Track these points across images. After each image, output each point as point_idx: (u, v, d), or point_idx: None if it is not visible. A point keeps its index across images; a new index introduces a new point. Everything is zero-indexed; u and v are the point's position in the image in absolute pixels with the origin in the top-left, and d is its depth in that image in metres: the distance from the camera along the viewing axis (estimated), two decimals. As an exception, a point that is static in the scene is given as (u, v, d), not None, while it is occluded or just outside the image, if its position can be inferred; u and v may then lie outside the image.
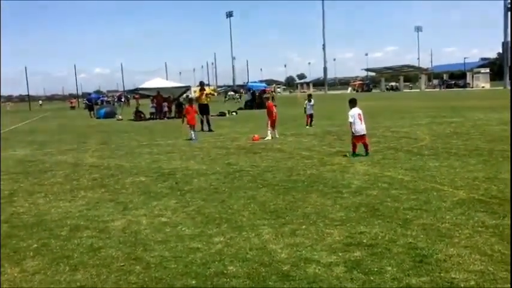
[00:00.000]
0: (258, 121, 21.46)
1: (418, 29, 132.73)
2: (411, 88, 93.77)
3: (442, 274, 4.20)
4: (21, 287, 4.33)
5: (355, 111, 10.83)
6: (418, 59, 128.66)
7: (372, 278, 4.18)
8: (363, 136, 10.80)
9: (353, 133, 10.80)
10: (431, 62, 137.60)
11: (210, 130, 19.31)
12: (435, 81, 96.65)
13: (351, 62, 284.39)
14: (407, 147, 12.18)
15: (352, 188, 7.61)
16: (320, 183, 8.09)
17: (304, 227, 5.71)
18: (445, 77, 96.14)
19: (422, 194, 7.02)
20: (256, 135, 15.46)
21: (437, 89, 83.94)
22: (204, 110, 19.90)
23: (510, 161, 9.39)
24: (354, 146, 10.88)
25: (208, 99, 20.42)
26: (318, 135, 16.17)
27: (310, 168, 9.57)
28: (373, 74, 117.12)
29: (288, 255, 4.79)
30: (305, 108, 20.20)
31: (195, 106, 18.55)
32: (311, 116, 19.83)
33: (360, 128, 10.71)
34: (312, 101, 20.37)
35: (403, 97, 52.60)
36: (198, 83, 24.76)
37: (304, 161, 10.54)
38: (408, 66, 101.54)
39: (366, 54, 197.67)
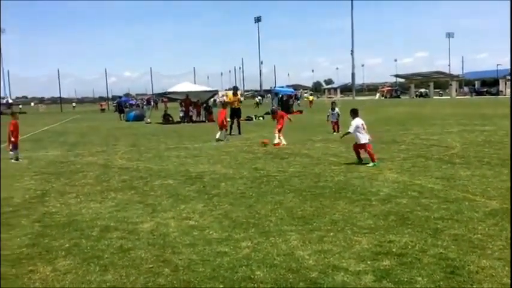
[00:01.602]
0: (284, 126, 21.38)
1: (450, 35, 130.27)
2: (441, 95, 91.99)
3: (474, 286, 4.10)
4: (53, 287, 4.42)
5: (359, 122, 10.89)
6: (449, 65, 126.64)
7: (401, 288, 4.11)
8: (366, 145, 10.73)
9: (358, 142, 10.80)
10: (463, 68, 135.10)
11: (239, 133, 20.02)
12: (466, 89, 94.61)
13: (379, 67, 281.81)
14: (438, 155, 11.95)
15: (381, 196, 7.51)
16: (348, 190, 8.01)
17: (332, 234, 5.67)
18: (476, 84, 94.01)
19: (454, 204, 6.88)
20: (266, 139, 15.69)
21: (468, 96, 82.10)
22: (236, 114, 20.66)
23: (510, 161, 9.35)
24: (357, 152, 10.90)
25: (241, 103, 20.90)
26: (346, 141, 15.99)
27: (338, 175, 9.49)
28: (402, 80, 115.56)
29: (315, 262, 4.75)
30: (328, 116, 20.15)
31: (227, 110, 19.40)
32: (336, 123, 19.57)
33: (364, 137, 10.70)
34: (336, 109, 19.82)
35: (433, 104, 51.67)
36: (227, 88, 25.52)
37: (331, 167, 10.46)
38: (439, 73, 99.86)
39: (395, 60, 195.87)
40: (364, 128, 10.76)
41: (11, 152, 13.48)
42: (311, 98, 66.91)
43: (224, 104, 20.98)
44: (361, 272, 4.48)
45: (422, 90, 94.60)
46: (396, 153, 12.42)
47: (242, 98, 22.27)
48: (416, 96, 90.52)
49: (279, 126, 15.96)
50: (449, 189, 7.89)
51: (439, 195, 7.47)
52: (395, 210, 6.65)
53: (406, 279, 4.27)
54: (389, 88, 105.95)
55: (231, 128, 20.33)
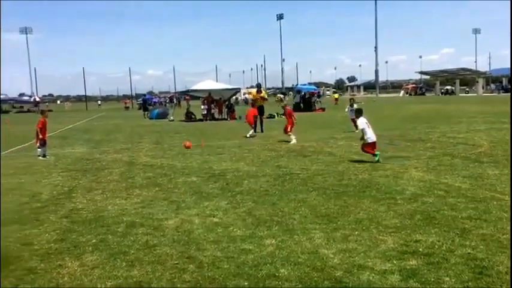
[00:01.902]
0: (306, 124, 21.34)
1: (476, 31, 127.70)
2: (468, 92, 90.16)
3: (503, 287, 4.01)
4: (81, 281, 4.51)
5: (364, 120, 11.06)
6: (476, 62, 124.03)
7: (428, 288, 4.05)
8: (374, 142, 10.82)
9: (366, 140, 10.85)
10: (490, 65, 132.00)
11: (261, 131, 20.04)
12: (493, 86, 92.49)
13: (403, 64, 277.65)
14: (465, 153, 11.72)
15: (407, 195, 7.41)
16: (372, 189, 7.93)
17: (356, 232, 5.62)
18: (504, 81, 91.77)
19: (482, 203, 6.73)
20: (188, 142, 15.09)
21: (496, 94, 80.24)
22: (259, 111, 20.70)
23: (510, 161, 9.20)
24: (369, 151, 10.83)
25: (265, 101, 21.01)
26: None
27: (362, 173, 9.41)
28: (427, 77, 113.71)
29: (340, 261, 4.72)
30: (346, 112, 19.89)
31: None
32: (354, 120, 19.26)
33: (372, 134, 10.82)
34: (355, 105, 19.33)
35: (459, 101, 50.69)
36: (249, 86, 25.78)
37: (355, 166, 10.37)
38: (465, 70, 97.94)
39: (420, 57, 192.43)
40: (369, 127, 10.90)
41: (39, 149, 13.79)
42: (336, 95, 66.57)
43: (253, 102, 21.37)
44: (387, 271, 4.43)
45: (448, 87, 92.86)
46: (422, 152, 12.23)
47: (266, 96, 22.20)
48: (442, 93, 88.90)
49: (289, 126, 16.13)
50: (476, 188, 7.73)
51: (467, 194, 7.33)
52: (421, 209, 6.55)
53: (433, 279, 4.21)
54: (413, 85, 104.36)
55: (255, 125, 20.31)
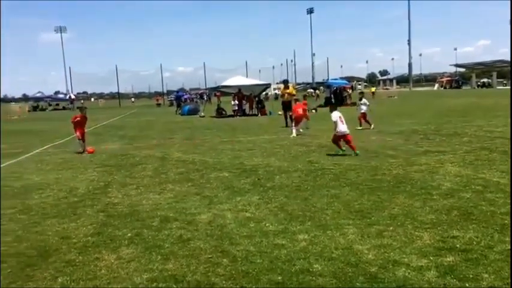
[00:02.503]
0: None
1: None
2: (505, 85, 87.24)
3: (547, 286, 3.87)
4: (118, 274, 4.60)
5: (337, 114, 11.63)
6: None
7: (467, 285, 3.95)
8: (346, 135, 11.49)
9: (336, 132, 11.55)
10: (510, 60, 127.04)
11: (286, 125, 19.99)
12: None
13: (438, 57, 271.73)
14: (503, 147, 11.34)
15: (443, 190, 7.23)
16: (407, 184, 7.78)
17: (391, 228, 5.53)
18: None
19: (522, 199, 6.51)
20: (90, 148, 14.49)
21: (535, 86, 77.35)
22: (287, 106, 20.74)
23: (510, 160, 9.02)
24: (337, 143, 11.66)
25: (293, 96, 20.86)
26: (404, 133, 15.57)
27: (396, 168, 9.24)
28: (462, 69, 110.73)
29: (375, 257, 4.66)
30: (357, 108, 19.33)
31: (298, 103, 18.70)
32: (363, 116, 18.37)
33: (343, 127, 11.45)
34: (364, 100, 18.74)
35: (497, 94, 49.14)
36: (278, 81, 25.94)
37: (389, 161, 10.20)
38: (502, 62, 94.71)
39: (455, 49, 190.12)
40: (342, 121, 11.49)
41: (78, 142, 14.32)
42: (373, 89, 66.17)
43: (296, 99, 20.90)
44: (423, 267, 4.34)
45: (485, 80, 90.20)
46: (458, 146, 11.92)
47: (294, 91, 22.03)
48: (478, 86, 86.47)
49: (296, 120, 17.08)
50: (516, 183, 7.48)
51: (506, 189, 7.10)
52: (458, 204, 6.39)
53: (471, 276, 4.10)
54: (448, 78, 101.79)
55: (286, 120, 20.46)
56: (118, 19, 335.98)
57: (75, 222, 6.49)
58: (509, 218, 5.63)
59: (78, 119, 14.70)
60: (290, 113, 20.61)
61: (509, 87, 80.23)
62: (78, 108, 15.98)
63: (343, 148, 11.55)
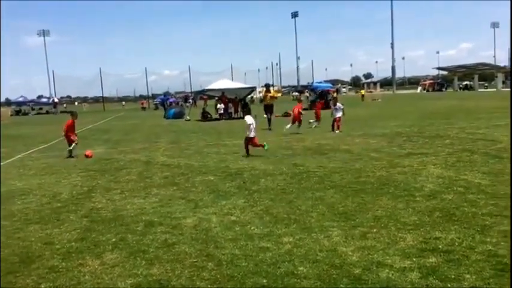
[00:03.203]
0: (322, 121, 21.24)
1: (495, 25, 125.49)
2: (487, 87, 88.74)
3: (526, 285, 3.94)
4: (102, 279, 4.57)
5: (250, 118, 12.94)
6: (494, 56, 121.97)
7: (449, 286, 4.01)
8: (252, 138, 12.65)
9: (248, 134, 12.65)
10: (510, 59, 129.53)
11: (269, 129, 20.67)
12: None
13: (421, 60, 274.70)
14: (484, 149, 11.54)
15: (426, 192, 7.33)
16: (391, 186, 7.87)
17: (375, 230, 5.59)
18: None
19: (502, 200, 6.62)
20: (89, 151, 14.26)
21: (516, 88, 78.75)
22: (268, 109, 21.60)
23: (510, 160, 9.13)
24: (247, 146, 12.70)
25: (274, 99, 21.46)
26: (388, 136, 15.73)
27: (379, 170, 9.34)
28: (445, 72, 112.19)
29: (359, 259, 4.70)
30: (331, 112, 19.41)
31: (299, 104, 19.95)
32: (339, 119, 18.49)
33: (252, 132, 12.57)
34: (338, 104, 19.05)
35: (478, 97, 49.93)
36: (263, 85, 26.62)
37: (373, 163, 10.30)
38: (483, 65, 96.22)
39: (437, 52, 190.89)
40: (254, 127, 12.69)
41: (72, 146, 14.21)
42: (363, 92, 66.93)
43: (298, 99, 22.58)
44: (406, 268, 4.39)
45: (467, 82, 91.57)
46: (440, 148, 12.09)
47: (279, 94, 23.15)
48: (461, 89, 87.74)
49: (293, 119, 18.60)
50: (497, 184, 7.61)
51: (487, 190, 7.23)
52: (440, 206, 6.48)
53: (453, 276, 4.17)
54: (431, 81, 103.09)
55: (269, 123, 21.28)
56: (103, 22, 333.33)
57: (59, 227, 6.42)
58: (510, 218, 5.71)
59: (71, 124, 14.66)
60: (271, 116, 21.22)
61: (490, 89, 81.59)
62: (69, 113, 15.82)
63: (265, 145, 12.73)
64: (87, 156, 13.83)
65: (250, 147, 12.67)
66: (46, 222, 6.71)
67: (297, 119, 18.50)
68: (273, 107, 22.11)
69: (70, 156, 13.92)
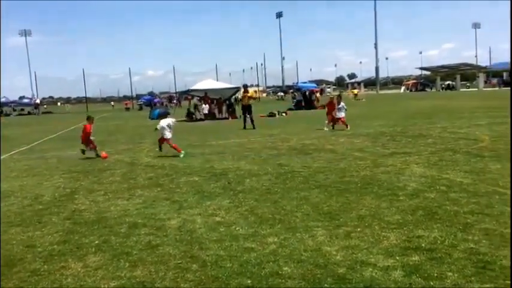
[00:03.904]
0: (307, 121, 21.34)
1: (476, 25, 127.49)
2: (468, 87, 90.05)
3: (507, 281, 4.01)
4: (85, 282, 4.51)
5: (166, 122, 13.42)
6: (476, 56, 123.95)
7: (432, 284, 4.06)
8: (167, 139, 13.24)
9: (164, 138, 13.31)
10: (490, 59, 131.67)
11: (253, 128, 21.17)
12: (494, 80, 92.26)
13: (404, 60, 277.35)
14: (466, 148, 11.71)
15: (409, 191, 7.41)
16: (374, 185, 7.93)
17: (359, 229, 5.62)
18: (504, 75, 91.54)
19: (484, 198, 6.73)
20: (104, 153, 13.95)
21: (497, 88, 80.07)
22: (246, 110, 22.20)
23: (510, 160, 9.19)
24: (161, 143, 13.54)
25: (252, 100, 22.04)
26: (371, 135, 15.86)
27: (363, 170, 9.40)
28: (427, 72, 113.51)
29: (343, 258, 4.73)
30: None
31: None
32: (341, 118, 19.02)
33: (168, 135, 13.25)
34: (342, 103, 19.32)
35: (460, 96, 50.62)
36: (250, 85, 27.01)
37: (357, 162, 10.37)
38: (465, 65, 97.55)
39: (420, 53, 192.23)
40: (170, 128, 13.28)
41: (90, 149, 13.85)
42: (355, 91, 67.26)
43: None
44: (389, 267, 4.43)
45: (449, 82, 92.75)
46: (423, 147, 12.23)
47: (257, 95, 23.81)
48: (443, 88, 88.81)
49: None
50: (478, 183, 7.73)
51: (469, 189, 7.33)
52: (423, 205, 6.55)
53: (436, 275, 4.21)
54: (414, 81, 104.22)
55: (244, 123, 21.85)
56: (86, 22, 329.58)
57: (41, 230, 6.33)
58: (510, 218, 5.77)
59: (89, 129, 14.05)
60: (250, 115, 21.41)
61: (472, 89, 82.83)
62: (87, 118, 14.85)
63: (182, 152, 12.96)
64: (103, 157, 13.49)
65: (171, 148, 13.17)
66: (28, 225, 6.61)
67: (332, 119, 18.82)
68: (251, 107, 22.47)
69: (97, 155, 13.63)
